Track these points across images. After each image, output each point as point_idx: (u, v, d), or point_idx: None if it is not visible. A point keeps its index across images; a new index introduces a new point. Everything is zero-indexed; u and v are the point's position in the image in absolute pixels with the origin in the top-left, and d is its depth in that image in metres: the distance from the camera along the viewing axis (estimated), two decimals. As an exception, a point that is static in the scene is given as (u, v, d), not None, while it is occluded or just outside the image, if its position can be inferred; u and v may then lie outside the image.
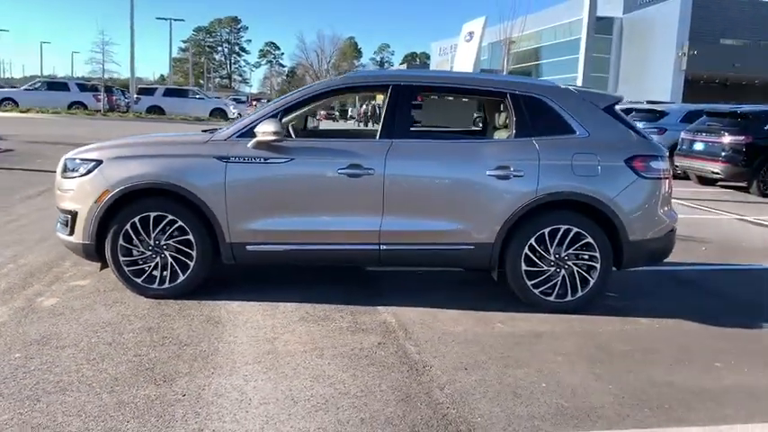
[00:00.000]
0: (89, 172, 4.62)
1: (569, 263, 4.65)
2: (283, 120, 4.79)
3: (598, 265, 4.63)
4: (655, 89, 40.84)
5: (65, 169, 4.78)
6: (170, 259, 4.64)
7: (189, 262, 4.63)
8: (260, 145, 4.53)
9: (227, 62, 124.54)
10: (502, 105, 5.19)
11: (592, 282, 4.66)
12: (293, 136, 5.04)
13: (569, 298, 4.67)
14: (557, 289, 4.66)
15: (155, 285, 4.65)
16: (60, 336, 3.89)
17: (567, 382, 3.52)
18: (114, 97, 35.20)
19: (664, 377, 3.64)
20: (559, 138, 4.67)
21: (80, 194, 4.63)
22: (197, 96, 36.40)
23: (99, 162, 4.63)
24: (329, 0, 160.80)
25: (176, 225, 4.58)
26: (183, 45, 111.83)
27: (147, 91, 36.56)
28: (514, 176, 4.55)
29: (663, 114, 15.48)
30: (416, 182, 4.60)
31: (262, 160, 4.54)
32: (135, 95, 35.82)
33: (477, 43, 37.62)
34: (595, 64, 49.10)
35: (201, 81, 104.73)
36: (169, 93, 36.24)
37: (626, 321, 4.56)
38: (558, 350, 3.96)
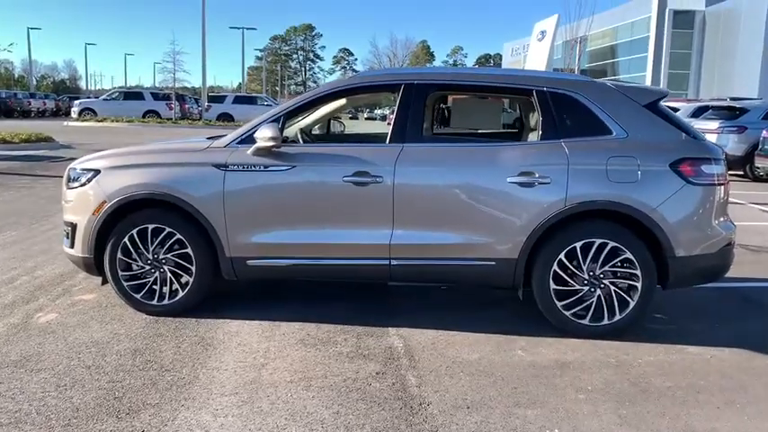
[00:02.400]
0: (88, 182, 4.42)
1: (606, 282, 4.07)
2: (288, 124, 4.46)
3: (639, 285, 4.04)
4: (741, 85, 38.39)
5: (68, 179, 4.60)
6: (169, 274, 4.37)
7: (188, 277, 4.35)
8: (260, 151, 4.19)
9: (302, 69, 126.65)
10: (532, 104, 4.67)
11: (632, 303, 4.06)
12: (300, 141, 4.68)
13: (605, 322, 4.10)
14: (591, 311, 4.10)
15: (154, 301, 4.39)
16: (41, 357, 3.67)
17: (584, 427, 2.98)
18: (187, 105, 36.19)
19: (707, 424, 3.04)
20: (592, 139, 4.11)
21: (79, 205, 4.44)
22: (265, 103, 36.88)
23: (97, 172, 4.42)
24: (403, 4, 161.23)
25: (174, 238, 4.30)
26: (258, 54, 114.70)
27: (218, 99, 37.38)
28: (540, 183, 4.03)
29: (743, 111, 14.27)
30: (429, 190, 4.14)
31: (262, 168, 4.20)
32: (206, 103, 36.66)
33: (550, 42, 36.43)
34: (676, 60, 46.91)
35: (277, 88, 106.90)
36: (238, 100, 36.90)
37: (671, 350, 3.94)
38: (583, 385, 3.42)
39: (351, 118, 71.83)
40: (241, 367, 3.57)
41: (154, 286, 4.40)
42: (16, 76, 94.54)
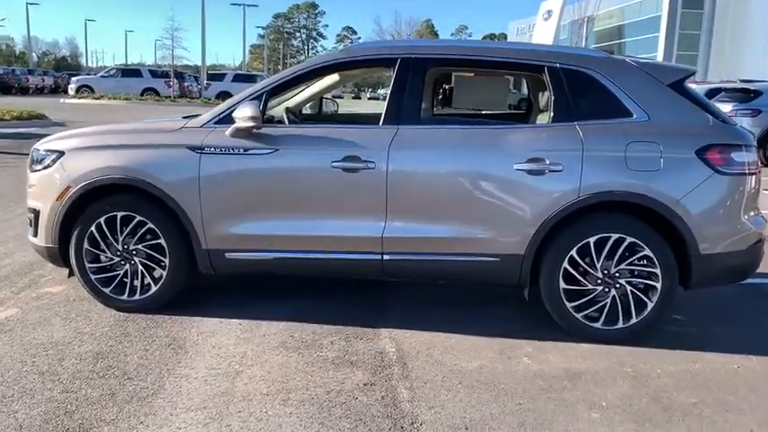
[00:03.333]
0: (51, 164, 4.01)
1: (622, 281, 3.67)
2: (272, 103, 4.04)
3: (659, 285, 3.63)
4: (751, 67, 37.65)
5: (32, 161, 4.19)
6: (140, 267, 3.97)
7: (162, 270, 3.95)
8: (238, 133, 3.77)
9: (305, 47, 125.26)
10: (543, 83, 4.24)
11: (650, 305, 3.66)
12: (286, 122, 4.25)
13: (620, 325, 3.70)
14: (604, 313, 3.70)
15: (124, 296, 4.00)
16: (-9, 361, 3.28)
17: (600, 455, 2.60)
18: (186, 83, 35.60)
19: (740, 451, 2.66)
20: (610, 122, 3.68)
21: (42, 190, 4.04)
22: (265, 81, 36.31)
23: (61, 153, 4.00)
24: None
25: (146, 227, 3.90)
26: (261, 32, 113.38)
27: (217, 77, 36.77)
28: (551, 171, 3.60)
29: (757, 94, 13.74)
30: (427, 178, 3.73)
31: (241, 151, 3.78)
32: (205, 81, 36.05)
33: (556, 22, 35.69)
34: (685, 41, 46.03)
35: (279, 67, 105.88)
36: (238, 78, 36.25)
37: (693, 358, 3.55)
38: (597, 401, 3.03)
39: (353, 98, 70.54)
40: (213, 375, 3.18)
41: (124, 279, 4.01)
42: (17, 52, 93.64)
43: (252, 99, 3.83)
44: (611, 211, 3.67)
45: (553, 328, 3.81)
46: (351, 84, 76.31)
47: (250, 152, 3.77)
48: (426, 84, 3.93)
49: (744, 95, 13.93)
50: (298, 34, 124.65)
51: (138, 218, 3.89)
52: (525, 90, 5.66)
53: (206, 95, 35.28)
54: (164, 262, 3.93)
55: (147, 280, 3.98)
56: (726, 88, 14.83)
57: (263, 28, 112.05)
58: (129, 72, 35.50)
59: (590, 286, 3.69)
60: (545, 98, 4.39)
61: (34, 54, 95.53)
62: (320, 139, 3.83)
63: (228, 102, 3.97)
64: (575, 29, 43.02)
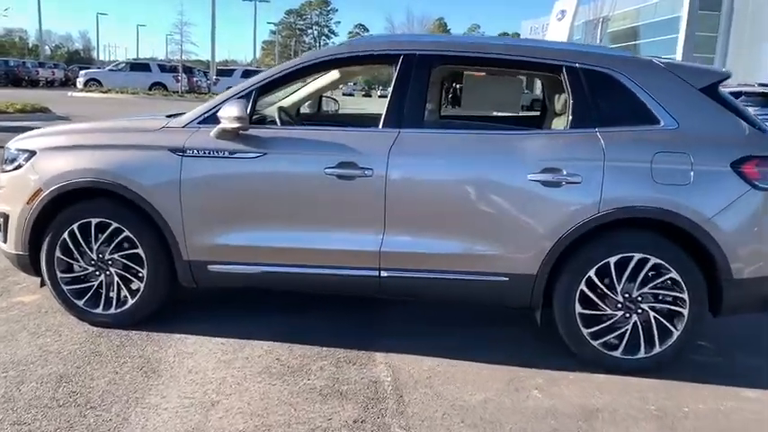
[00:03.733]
0: (22, 165, 3.69)
1: (644, 306, 3.30)
2: (262, 101, 3.71)
3: (686, 311, 3.26)
4: (768, 71, 36.97)
5: (3, 161, 3.86)
6: (117, 278, 3.64)
7: (139, 283, 3.62)
8: (224, 134, 3.43)
9: (317, 44, 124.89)
10: (560, 84, 3.88)
11: (676, 333, 3.30)
12: (278, 123, 3.90)
13: (642, 354, 3.33)
14: (625, 341, 3.33)
15: (98, 310, 3.67)
16: (-57, 383, 2.96)
17: None
18: (195, 78, 35.32)
19: None
20: (635, 129, 3.31)
21: (12, 192, 3.71)
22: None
23: (32, 153, 3.68)
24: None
25: (123, 235, 3.57)
26: (273, 28, 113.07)
27: (226, 72, 36.43)
28: (568, 183, 3.24)
29: (779, 98, 13.29)
30: (430, 187, 3.37)
31: (226, 154, 3.44)
32: (214, 77, 35.77)
33: (570, 22, 35.24)
34: (701, 43, 45.31)
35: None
36: (246, 74, 35.81)
37: (725, 395, 3.18)
38: (617, 448, 2.66)
39: (364, 95, 69.85)
40: (186, 406, 2.84)
41: (99, 291, 3.68)
42: (30, 45, 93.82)
43: (239, 97, 3.49)
44: (634, 228, 3.30)
45: (567, 356, 3.45)
46: (362, 81, 75.66)
47: (236, 155, 3.43)
48: (431, 83, 3.57)
49: (765, 100, 13.47)
50: (310, 31, 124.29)
51: (115, 225, 3.56)
52: (538, 91, 5.29)
53: (215, 91, 35.00)
54: (141, 273, 3.60)
55: (124, 293, 3.65)
56: (746, 92, 14.36)
57: (274, 24, 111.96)
58: (138, 66, 35.27)
59: (609, 311, 3.33)
60: (562, 101, 4.02)
61: (47, 47, 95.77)
62: (313, 142, 3.48)
63: (214, 99, 3.63)
64: (589, 29, 42.43)
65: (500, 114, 4.75)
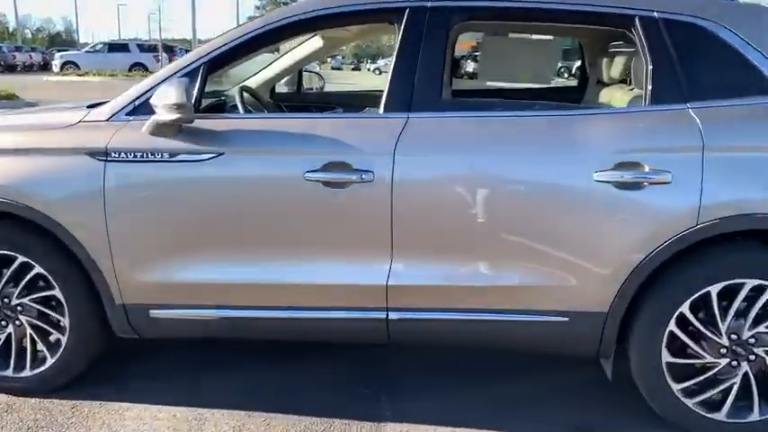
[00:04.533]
0: None
1: (759, 350, 2.36)
2: (215, 79, 2.71)
3: (820, 358, 2.33)
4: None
5: None
6: (29, 330, 2.67)
7: (59, 335, 2.66)
8: (161, 129, 2.42)
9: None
10: (621, 42, 2.88)
11: (798, 387, 2.36)
12: (240, 109, 2.89)
13: (755, 416, 2.40)
14: (731, 399, 2.40)
15: (8, 372, 2.71)
16: None
17: None
18: (176, 57, 33.88)
19: None
20: (745, 103, 2.34)
21: None
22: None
23: None
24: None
25: (33, 272, 2.60)
26: (258, 3, 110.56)
27: (209, 50, 35.02)
28: (652, 183, 2.27)
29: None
30: (454, 194, 2.38)
31: (166, 157, 2.45)
32: (197, 55, 34.38)
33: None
34: None
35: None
36: (231, 51, 34.59)
37: None
38: None
39: (353, 69, 65.46)
40: None
41: (8, 346, 2.71)
42: (11, 29, 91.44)
43: (181, 76, 2.49)
44: (745, 244, 2.35)
45: (648, 420, 2.50)
46: (350, 53, 72.25)
47: (179, 158, 2.44)
48: (449, 49, 2.56)
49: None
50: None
51: (21, 259, 2.58)
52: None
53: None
54: (63, 323, 2.63)
55: (41, 348, 2.69)
56: None
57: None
58: (116, 47, 33.70)
59: (709, 358, 2.39)
60: (617, 65, 3.03)
61: (28, 30, 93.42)
62: (287, 135, 2.48)
63: (148, 79, 2.61)
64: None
65: (522, 87, 3.74)
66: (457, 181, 2.37)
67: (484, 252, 2.40)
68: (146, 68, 31.45)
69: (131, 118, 2.52)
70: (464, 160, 2.37)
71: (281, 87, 3.97)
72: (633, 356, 2.44)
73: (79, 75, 28.37)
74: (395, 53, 2.47)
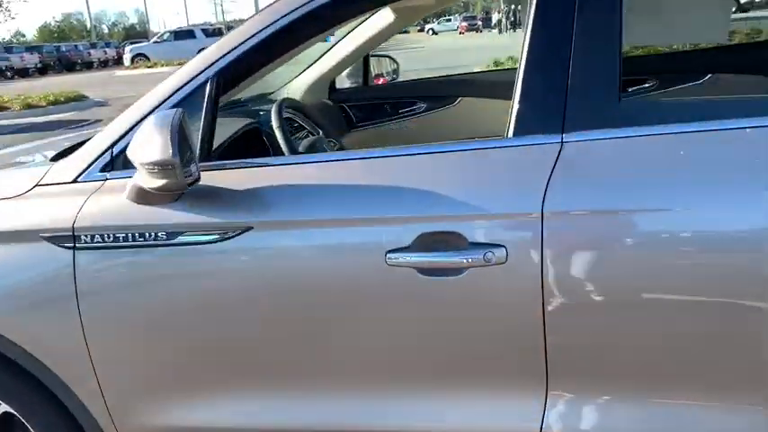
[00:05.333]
0: None
1: None
2: (233, 95, 1.74)
3: None
4: None
5: None
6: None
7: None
8: (146, 197, 1.48)
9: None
10: None
11: None
12: (280, 139, 1.90)
13: None
14: None
15: None
16: None
17: None
18: (245, 39, 33.59)
19: None
20: None
21: None
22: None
23: None
24: None
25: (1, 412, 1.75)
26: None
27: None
28: None
29: None
30: (660, 282, 1.31)
31: (162, 238, 1.50)
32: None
33: None
34: None
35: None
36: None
37: None
38: None
39: (419, 30, 53.90)
40: None
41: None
42: (88, 27, 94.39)
43: (171, 107, 1.53)
44: None
45: None
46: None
47: (180, 240, 1.50)
48: (622, 23, 1.47)
49: None
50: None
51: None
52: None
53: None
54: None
55: None
56: None
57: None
58: (182, 34, 33.61)
59: None
60: None
61: (104, 26, 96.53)
62: (353, 192, 1.47)
63: (129, 112, 1.64)
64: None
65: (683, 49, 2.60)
66: (664, 256, 1.31)
67: (709, 377, 1.34)
68: (215, 53, 31.29)
69: (107, 176, 1.59)
70: (680, 216, 1.30)
71: (343, 81, 2.99)
72: None
73: (148, 66, 28.44)
74: (526, 34, 1.41)
